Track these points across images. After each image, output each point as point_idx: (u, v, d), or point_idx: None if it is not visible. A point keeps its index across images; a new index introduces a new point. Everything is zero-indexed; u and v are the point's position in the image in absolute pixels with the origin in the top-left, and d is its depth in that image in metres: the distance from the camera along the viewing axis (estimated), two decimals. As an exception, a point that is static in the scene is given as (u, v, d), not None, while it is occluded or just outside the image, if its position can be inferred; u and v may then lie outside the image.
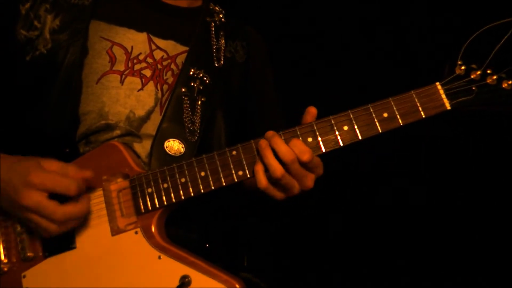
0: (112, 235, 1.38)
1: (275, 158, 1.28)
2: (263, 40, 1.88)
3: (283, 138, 1.32)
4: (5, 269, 1.41)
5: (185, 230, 1.52)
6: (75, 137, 1.51)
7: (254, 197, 1.65)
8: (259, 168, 1.30)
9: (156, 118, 1.54)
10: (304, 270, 2.76)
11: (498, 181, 2.45)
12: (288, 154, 1.27)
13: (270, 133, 1.31)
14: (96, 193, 1.41)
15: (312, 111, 1.34)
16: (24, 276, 1.39)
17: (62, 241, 1.38)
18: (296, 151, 1.27)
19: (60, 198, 1.29)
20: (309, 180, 1.34)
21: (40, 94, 1.50)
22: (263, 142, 1.30)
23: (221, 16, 1.76)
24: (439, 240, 2.59)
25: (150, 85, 1.57)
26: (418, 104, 1.31)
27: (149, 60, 1.59)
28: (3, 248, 1.42)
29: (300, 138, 1.32)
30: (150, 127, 1.54)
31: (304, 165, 1.30)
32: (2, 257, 1.41)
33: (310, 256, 2.76)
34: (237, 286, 1.30)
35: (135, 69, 1.56)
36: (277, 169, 1.27)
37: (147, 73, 1.58)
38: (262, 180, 1.30)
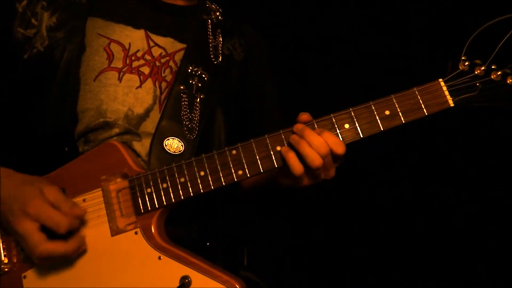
0: (112, 235, 1.37)
1: (312, 149, 1.26)
2: (261, 37, 1.86)
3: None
4: (6, 269, 1.41)
5: (185, 230, 1.52)
6: (74, 136, 1.50)
7: (255, 196, 1.64)
8: (292, 155, 1.28)
9: (155, 116, 1.53)
10: (304, 270, 2.75)
11: (503, 180, 2.43)
12: (323, 147, 1.26)
13: (299, 126, 1.30)
14: (95, 193, 1.40)
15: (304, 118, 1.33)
16: (25, 277, 1.39)
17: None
18: (330, 143, 1.26)
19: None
20: (334, 170, 1.35)
21: (38, 92, 1.50)
22: (295, 136, 1.29)
23: (218, 14, 1.74)
24: (439, 240, 2.58)
25: (149, 83, 1.55)
26: (421, 101, 1.29)
27: (147, 57, 1.57)
28: (4, 249, 1.42)
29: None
30: (149, 125, 1.53)
31: (336, 157, 1.29)
32: (3, 258, 1.41)
33: (310, 255, 2.75)
34: (238, 286, 1.29)
35: (133, 66, 1.55)
36: (316, 158, 1.26)
37: (145, 70, 1.56)
38: (298, 166, 1.28)
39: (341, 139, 1.30)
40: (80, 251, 1.35)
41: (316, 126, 1.32)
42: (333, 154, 1.28)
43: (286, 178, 1.37)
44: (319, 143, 1.26)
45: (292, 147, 1.29)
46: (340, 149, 1.27)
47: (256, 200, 1.70)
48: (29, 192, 1.31)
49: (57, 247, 1.30)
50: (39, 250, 1.28)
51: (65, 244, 1.31)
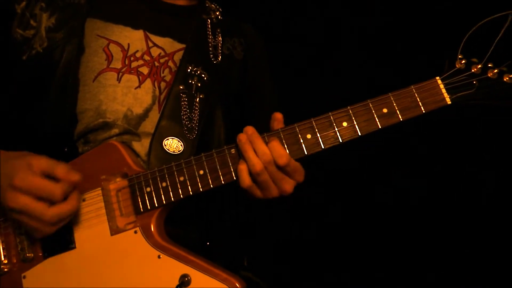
0: (112, 234, 1.37)
1: (255, 154, 1.29)
2: (260, 36, 1.87)
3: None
4: (6, 269, 1.41)
5: (185, 229, 1.52)
6: (73, 136, 1.50)
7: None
8: (244, 167, 1.30)
9: (154, 116, 1.54)
10: (304, 269, 2.75)
11: (500, 177, 2.43)
12: (265, 156, 1.28)
13: (249, 129, 1.31)
14: (95, 192, 1.40)
15: (278, 117, 1.35)
16: (24, 277, 1.39)
17: (61, 242, 1.38)
18: (274, 154, 1.28)
19: None
20: (287, 184, 1.34)
21: (37, 93, 1.50)
22: (242, 137, 1.30)
23: (217, 13, 1.75)
24: (439, 239, 2.58)
25: (148, 83, 1.56)
26: (418, 99, 1.30)
27: (146, 57, 1.58)
28: (3, 249, 1.42)
29: (299, 135, 1.31)
30: (149, 125, 1.53)
31: (281, 168, 1.30)
32: (2, 258, 1.41)
33: (310, 255, 2.75)
34: (237, 285, 1.29)
35: (132, 66, 1.56)
36: (257, 163, 1.28)
37: (144, 70, 1.57)
38: (245, 179, 1.30)
39: (339, 138, 1.31)
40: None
41: (314, 125, 1.32)
42: (276, 165, 1.29)
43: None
44: (263, 151, 1.28)
45: (242, 156, 1.31)
46: (281, 160, 1.28)
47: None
48: (16, 165, 1.27)
49: (63, 208, 1.27)
50: (48, 216, 1.25)
51: (68, 203, 1.28)
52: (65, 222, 1.32)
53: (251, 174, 1.30)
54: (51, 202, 1.27)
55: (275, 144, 1.29)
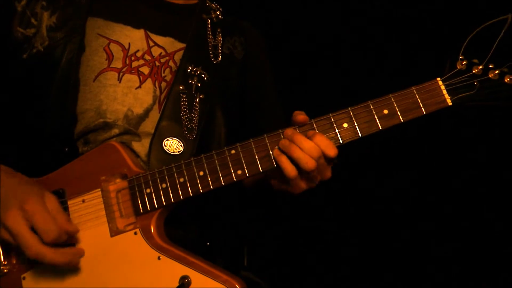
0: (111, 235, 1.37)
1: (304, 152, 1.27)
2: (261, 36, 1.86)
3: (282, 137, 1.31)
4: (5, 270, 1.40)
5: (185, 230, 1.52)
6: (73, 136, 1.49)
7: (256, 195, 1.64)
8: (284, 159, 1.29)
9: (155, 116, 1.53)
10: (304, 269, 2.75)
11: (500, 178, 2.43)
12: (314, 150, 1.27)
13: (289, 131, 1.31)
14: (95, 193, 1.40)
15: (302, 119, 1.33)
16: (24, 278, 1.39)
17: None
18: (322, 146, 1.27)
19: None
20: (329, 170, 1.35)
21: (38, 92, 1.49)
22: (285, 141, 1.29)
23: (218, 13, 1.74)
24: (439, 239, 2.58)
25: (148, 83, 1.55)
26: (419, 100, 1.30)
27: (147, 57, 1.57)
28: (3, 250, 1.41)
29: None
30: (149, 125, 1.52)
31: (329, 160, 1.30)
32: (2, 259, 1.41)
33: (310, 255, 2.75)
34: (238, 286, 1.29)
35: (132, 66, 1.55)
36: (309, 161, 1.27)
37: (145, 70, 1.56)
38: (291, 169, 1.29)
39: (339, 139, 1.31)
40: (71, 265, 1.33)
41: (315, 126, 1.32)
42: (325, 157, 1.29)
43: (281, 183, 1.38)
44: (310, 146, 1.27)
45: (283, 152, 1.30)
46: (331, 151, 1.28)
47: (256, 200, 1.69)
48: (32, 192, 1.30)
49: (47, 254, 1.26)
50: (31, 251, 1.25)
51: (56, 254, 1.28)
52: (44, 262, 1.29)
53: (301, 171, 1.29)
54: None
55: (320, 137, 1.28)
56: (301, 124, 1.33)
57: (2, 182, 1.28)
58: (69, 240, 1.33)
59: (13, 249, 1.40)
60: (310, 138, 1.29)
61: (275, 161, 1.31)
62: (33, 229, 1.26)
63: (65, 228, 1.29)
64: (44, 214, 1.26)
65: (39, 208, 1.26)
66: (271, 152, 1.33)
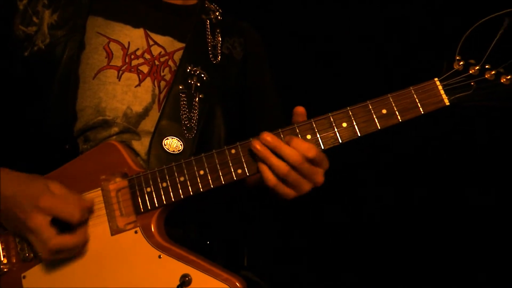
0: (112, 234, 1.37)
1: (276, 157, 1.27)
2: (260, 36, 1.88)
3: (282, 137, 1.31)
4: (5, 269, 1.41)
5: (185, 228, 1.53)
6: (73, 134, 1.50)
7: (258, 195, 1.65)
8: (264, 167, 1.29)
9: (154, 114, 1.54)
10: (304, 270, 2.76)
11: (498, 177, 2.45)
12: (295, 156, 1.26)
13: (266, 135, 1.28)
14: (95, 192, 1.40)
15: (300, 110, 1.34)
16: (24, 277, 1.39)
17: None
18: (301, 150, 1.26)
19: (61, 224, 1.32)
20: (319, 175, 1.33)
21: (39, 90, 1.50)
22: (257, 144, 1.28)
23: (217, 14, 1.76)
24: (439, 239, 2.60)
25: (147, 81, 1.56)
26: (417, 100, 1.31)
27: (147, 56, 1.58)
28: (3, 249, 1.42)
29: (299, 136, 1.31)
30: (149, 124, 1.53)
31: (312, 161, 1.28)
32: (2, 258, 1.41)
33: (310, 255, 2.76)
34: (238, 284, 1.29)
35: (132, 64, 1.56)
36: (281, 166, 1.26)
37: (144, 69, 1.57)
38: (270, 177, 1.29)
39: (339, 138, 1.32)
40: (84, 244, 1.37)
41: (314, 125, 1.33)
42: (307, 159, 1.27)
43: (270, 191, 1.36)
44: (290, 153, 1.26)
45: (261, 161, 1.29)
46: (310, 153, 1.26)
47: (260, 199, 1.69)
48: (38, 188, 1.32)
49: (68, 240, 1.32)
50: (51, 243, 1.29)
51: (73, 237, 1.33)
52: (66, 254, 1.34)
53: (278, 177, 1.28)
54: (64, 227, 1.32)
55: (297, 141, 1.28)
56: (300, 117, 1.33)
57: (3, 187, 1.32)
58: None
59: (14, 248, 1.40)
60: (287, 143, 1.28)
61: (256, 169, 1.31)
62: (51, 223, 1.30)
63: (82, 205, 1.34)
64: (60, 202, 1.32)
65: (53, 200, 1.31)
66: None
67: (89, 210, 1.37)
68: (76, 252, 1.36)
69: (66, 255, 1.34)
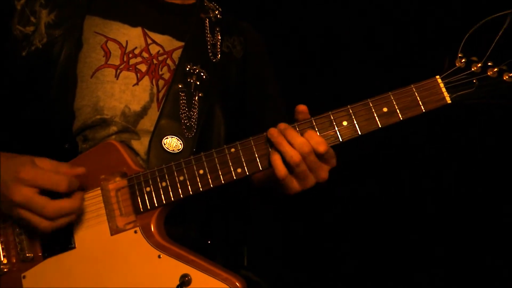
0: (111, 234, 1.37)
1: (291, 146, 1.26)
2: (260, 35, 1.87)
3: (297, 130, 1.30)
4: (5, 269, 1.40)
5: (185, 228, 1.52)
6: (72, 133, 1.50)
7: (263, 194, 1.64)
8: (277, 157, 1.28)
9: (153, 113, 1.53)
10: (305, 269, 2.75)
11: (499, 175, 2.44)
12: (305, 146, 1.26)
13: (282, 125, 1.29)
14: (94, 192, 1.40)
15: (302, 109, 1.33)
16: (24, 277, 1.39)
17: (61, 242, 1.38)
18: (312, 142, 1.26)
19: (53, 195, 1.28)
20: (324, 171, 1.33)
21: (37, 89, 1.50)
22: (274, 131, 1.28)
23: (216, 12, 1.75)
24: (438, 239, 2.59)
25: (145, 80, 1.56)
26: (418, 98, 1.30)
27: (145, 54, 1.57)
28: (2, 249, 1.41)
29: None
30: (147, 123, 1.53)
31: (319, 156, 1.28)
32: (2, 258, 1.41)
33: (310, 255, 2.76)
34: (238, 284, 1.29)
35: (130, 63, 1.55)
36: (295, 154, 1.26)
37: (143, 68, 1.56)
38: (281, 168, 1.28)
39: (339, 137, 1.31)
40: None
41: (314, 124, 1.32)
42: (316, 153, 1.27)
43: (275, 181, 1.35)
44: (301, 142, 1.26)
45: (276, 149, 1.29)
46: (321, 147, 1.26)
47: (268, 197, 1.68)
48: (20, 161, 1.27)
49: (66, 203, 1.27)
50: (48, 209, 1.24)
51: (72, 199, 1.29)
52: (66, 220, 1.30)
53: (288, 166, 1.28)
54: (54, 195, 1.26)
55: (311, 133, 1.28)
56: (302, 116, 1.32)
57: None
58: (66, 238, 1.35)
59: (13, 247, 1.40)
60: (302, 134, 1.28)
61: (269, 160, 1.30)
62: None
63: (71, 172, 1.29)
64: (43, 172, 1.25)
65: (35, 171, 1.25)
66: (270, 149, 1.33)
67: (81, 176, 1.31)
68: (74, 218, 1.31)
69: (66, 220, 1.29)
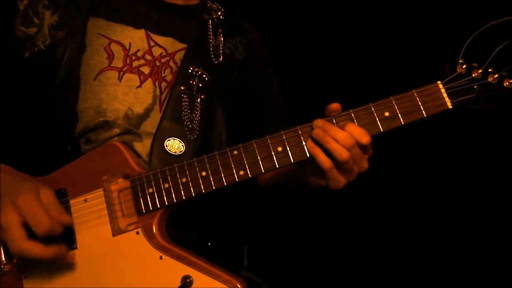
0: (113, 235, 1.37)
1: (337, 143, 1.26)
2: (262, 36, 1.87)
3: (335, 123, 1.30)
4: (6, 269, 1.40)
5: (186, 229, 1.52)
6: (75, 135, 1.50)
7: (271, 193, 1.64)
8: (318, 150, 1.28)
9: (156, 116, 1.54)
10: (304, 270, 2.76)
11: (499, 181, 2.45)
12: (348, 140, 1.26)
13: (320, 121, 1.29)
14: (97, 193, 1.40)
15: (334, 107, 1.32)
16: (25, 277, 1.39)
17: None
18: (355, 134, 1.26)
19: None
20: (365, 161, 1.33)
21: (39, 90, 1.49)
22: (319, 130, 1.28)
23: (219, 13, 1.75)
24: (439, 240, 2.60)
25: (148, 82, 1.56)
26: (420, 103, 1.31)
27: (148, 57, 1.58)
28: (3, 249, 1.41)
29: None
30: (150, 125, 1.53)
31: (363, 148, 1.29)
32: (3, 258, 1.40)
33: (310, 255, 2.76)
34: (239, 285, 1.30)
35: (133, 66, 1.55)
36: (343, 152, 1.26)
37: (145, 70, 1.57)
38: (326, 161, 1.27)
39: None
40: (60, 262, 1.33)
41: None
42: (359, 145, 1.28)
43: (319, 178, 1.36)
44: (343, 136, 1.26)
45: (316, 143, 1.29)
46: (364, 138, 1.27)
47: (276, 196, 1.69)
48: (25, 187, 1.28)
49: (33, 249, 1.25)
50: (16, 245, 1.23)
51: (40, 248, 1.25)
52: (31, 258, 1.27)
53: (336, 163, 1.27)
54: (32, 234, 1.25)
55: (352, 126, 1.28)
56: (335, 112, 1.32)
57: (1, 181, 1.28)
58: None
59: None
60: (342, 127, 1.28)
61: (309, 154, 1.30)
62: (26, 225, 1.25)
63: (58, 219, 1.27)
64: (35, 207, 1.24)
65: (30, 202, 1.25)
66: (273, 153, 1.34)
67: (66, 225, 1.30)
68: (40, 263, 1.31)
69: (31, 258, 1.27)
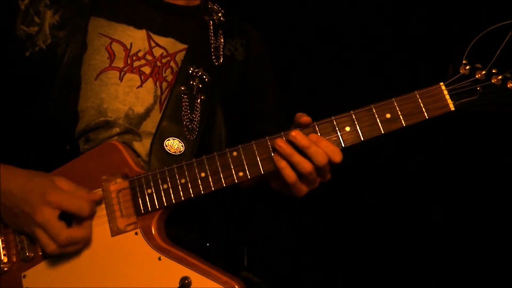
0: (112, 235, 1.37)
1: (300, 155, 1.27)
2: (262, 38, 1.87)
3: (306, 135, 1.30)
4: (5, 269, 1.41)
5: (185, 230, 1.52)
6: (74, 134, 1.49)
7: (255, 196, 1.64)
8: (285, 164, 1.29)
9: (156, 115, 1.53)
10: (305, 269, 2.76)
11: (501, 183, 2.44)
12: (321, 157, 1.27)
13: (294, 132, 1.29)
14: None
15: (304, 120, 1.32)
16: (24, 276, 1.39)
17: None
18: (328, 152, 1.27)
19: (66, 218, 1.32)
20: (329, 173, 1.36)
21: (40, 90, 1.49)
22: (281, 142, 1.29)
23: (220, 15, 1.74)
24: (439, 240, 2.59)
25: (149, 82, 1.55)
26: (422, 105, 1.29)
27: (148, 57, 1.57)
28: (3, 248, 1.42)
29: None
30: (150, 125, 1.53)
31: (333, 164, 1.30)
32: (2, 257, 1.41)
33: (310, 255, 2.76)
34: (237, 287, 1.29)
35: (134, 66, 1.55)
36: (307, 165, 1.27)
37: (146, 70, 1.56)
38: (291, 175, 1.29)
39: (341, 142, 1.31)
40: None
41: (317, 129, 1.32)
42: (331, 162, 1.29)
43: (282, 186, 1.38)
44: (317, 152, 1.27)
45: (282, 156, 1.29)
46: (337, 157, 1.28)
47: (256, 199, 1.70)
48: (44, 183, 1.33)
49: (77, 233, 1.32)
50: (61, 237, 1.29)
51: (81, 230, 1.33)
52: (72, 249, 1.33)
53: (299, 174, 1.29)
54: (71, 221, 1.32)
55: (325, 142, 1.28)
56: (304, 126, 1.32)
57: (12, 184, 1.32)
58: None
59: (14, 246, 1.40)
60: (315, 143, 1.28)
61: (275, 166, 1.31)
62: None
63: (90, 198, 1.35)
64: (68, 196, 1.32)
65: (61, 195, 1.31)
66: (272, 154, 1.33)
67: (97, 204, 1.37)
68: (81, 246, 1.35)
69: (73, 249, 1.33)
